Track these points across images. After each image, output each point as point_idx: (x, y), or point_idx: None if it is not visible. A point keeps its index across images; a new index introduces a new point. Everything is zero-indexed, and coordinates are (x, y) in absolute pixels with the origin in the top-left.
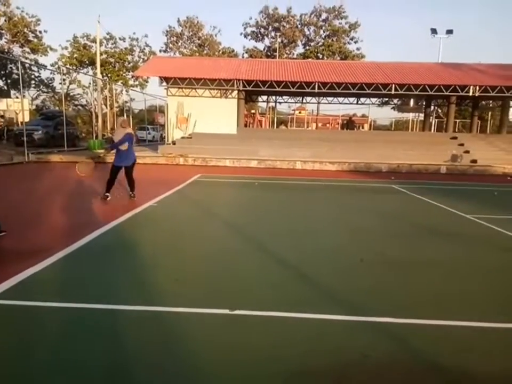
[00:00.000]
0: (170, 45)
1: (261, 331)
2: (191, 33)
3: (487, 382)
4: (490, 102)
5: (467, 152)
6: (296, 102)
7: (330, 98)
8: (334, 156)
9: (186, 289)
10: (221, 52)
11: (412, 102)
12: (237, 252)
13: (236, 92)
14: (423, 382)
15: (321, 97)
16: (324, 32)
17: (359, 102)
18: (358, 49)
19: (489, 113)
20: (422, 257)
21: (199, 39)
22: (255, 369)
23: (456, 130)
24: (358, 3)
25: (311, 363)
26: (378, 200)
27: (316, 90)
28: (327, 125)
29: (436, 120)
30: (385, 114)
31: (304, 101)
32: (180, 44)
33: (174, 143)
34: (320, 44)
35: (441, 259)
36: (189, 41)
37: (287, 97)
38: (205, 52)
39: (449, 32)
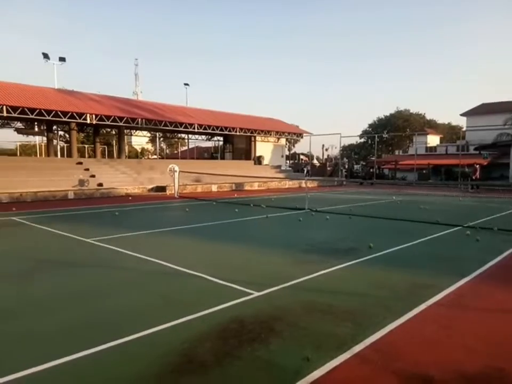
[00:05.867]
0: None
1: None
2: None
3: None
4: (111, 129)
5: (93, 176)
6: None
7: None
8: None
9: None
10: None
11: (36, 125)
12: None
13: None
14: None
15: None
16: None
17: None
18: None
19: (114, 139)
20: (42, 296)
21: None
22: None
23: (86, 155)
24: None
25: None
26: None
27: None
28: None
29: (65, 145)
30: (10, 137)
31: None
32: None
33: None
34: None
35: (61, 292)
36: None
37: None
38: None
39: (62, 59)
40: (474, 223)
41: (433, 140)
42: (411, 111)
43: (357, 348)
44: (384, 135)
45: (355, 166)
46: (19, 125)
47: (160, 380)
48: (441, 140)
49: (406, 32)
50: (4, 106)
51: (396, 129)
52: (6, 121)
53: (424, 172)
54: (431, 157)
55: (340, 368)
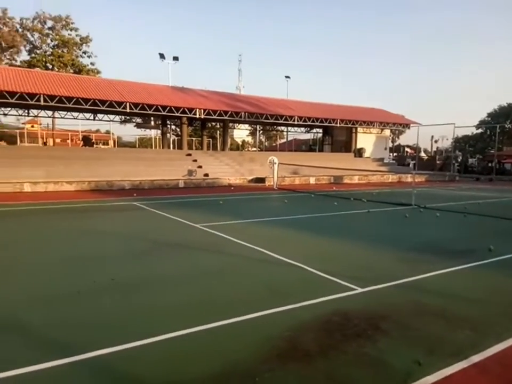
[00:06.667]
0: None
1: None
2: None
3: None
4: (216, 123)
5: (200, 167)
6: (20, 115)
7: (63, 113)
8: (72, 175)
9: None
10: None
11: (152, 120)
12: None
13: None
14: None
15: (55, 111)
16: (51, 41)
17: (97, 118)
18: (92, 64)
19: (218, 132)
20: (161, 273)
21: None
22: None
23: (194, 147)
24: (87, 16)
25: None
26: (117, 219)
27: (42, 103)
28: (67, 140)
29: (176, 138)
30: (131, 131)
31: (30, 113)
32: None
33: None
34: (48, 53)
35: (176, 272)
36: None
37: (9, 108)
38: None
39: (176, 58)
40: None
41: None
42: None
43: (476, 358)
44: (506, 125)
45: (470, 160)
46: (138, 120)
47: (267, 362)
48: None
49: None
50: (128, 103)
51: None
52: (128, 117)
53: None
54: None
55: (455, 376)
